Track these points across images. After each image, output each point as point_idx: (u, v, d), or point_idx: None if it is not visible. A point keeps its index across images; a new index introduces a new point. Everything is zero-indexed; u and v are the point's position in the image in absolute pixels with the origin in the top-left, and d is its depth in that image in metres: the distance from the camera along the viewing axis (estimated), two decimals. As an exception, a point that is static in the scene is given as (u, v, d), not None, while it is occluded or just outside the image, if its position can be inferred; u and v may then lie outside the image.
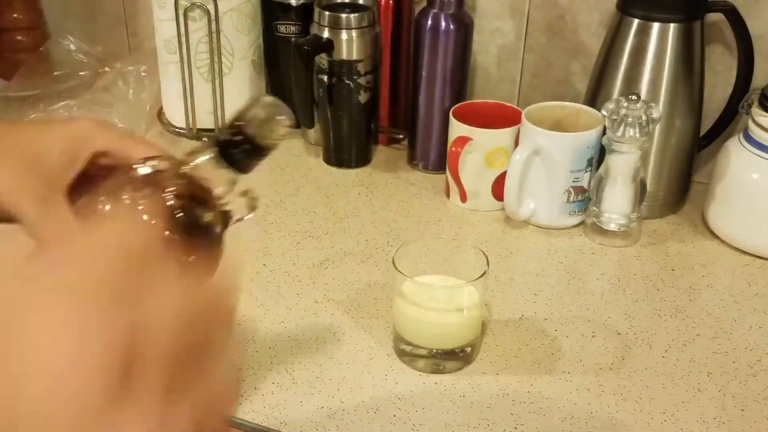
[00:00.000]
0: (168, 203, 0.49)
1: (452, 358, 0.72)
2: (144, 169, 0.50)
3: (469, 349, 0.73)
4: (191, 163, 0.50)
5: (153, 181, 0.50)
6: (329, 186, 1.03)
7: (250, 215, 0.51)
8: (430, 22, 0.98)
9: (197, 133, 1.11)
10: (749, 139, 0.88)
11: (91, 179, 0.54)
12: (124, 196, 0.49)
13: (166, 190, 0.49)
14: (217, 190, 0.50)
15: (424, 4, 1.00)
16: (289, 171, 1.05)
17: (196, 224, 0.50)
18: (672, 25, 0.89)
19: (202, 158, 0.50)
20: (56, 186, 0.54)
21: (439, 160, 1.04)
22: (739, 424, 0.67)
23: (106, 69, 1.20)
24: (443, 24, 0.97)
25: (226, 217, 0.51)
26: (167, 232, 0.48)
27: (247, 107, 0.49)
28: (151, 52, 1.15)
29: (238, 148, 0.49)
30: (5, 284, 0.29)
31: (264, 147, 0.49)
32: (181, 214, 0.49)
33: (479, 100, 1.02)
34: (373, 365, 0.73)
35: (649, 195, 0.93)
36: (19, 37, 1.26)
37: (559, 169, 0.91)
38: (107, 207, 0.49)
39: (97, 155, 0.55)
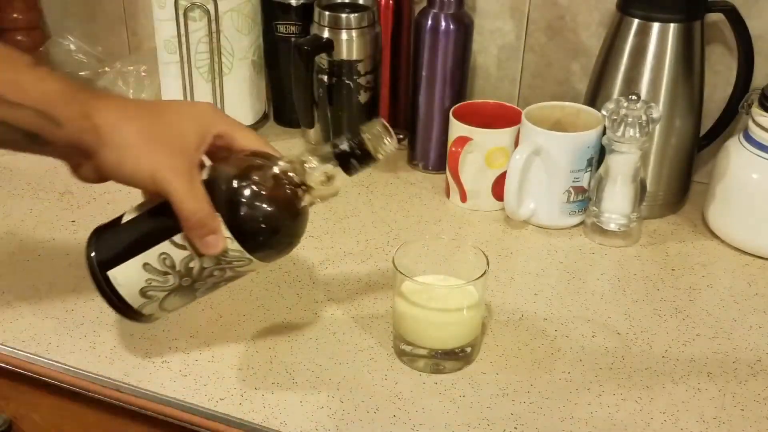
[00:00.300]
0: (284, 185, 0.62)
1: (452, 358, 0.72)
2: (276, 168, 0.62)
3: (469, 349, 0.73)
4: (312, 164, 0.62)
5: (277, 174, 0.62)
6: (329, 186, 1.03)
7: (330, 198, 0.64)
8: (430, 22, 0.98)
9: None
10: (749, 139, 0.88)
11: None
12: (255, 177, 0.60)
13: (287, 175, 0.62)
14: (316, 179, 0.62)
15: (424, 4, 1.00)
16: (289, 171, 1.05)
17: (297, 204, 0.63)
18: (672, 25, 0.89)
19: (322, 157, 0.62)
20: (194, 164, 0.60)
21: (439, 160, 1.04)
22: (739, 424, 0.67)
23: (106, 69, 1.20)
24: (443, 24, 0.97)
25: (313, 200, 0.64)
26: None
27: (369, 125, 0.62)
28: (151, 52, 1.15)
29: (356, 156, 0.61)
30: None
31: (374, 159, 0.62)
32: (290, 192, 0.62)
33: (479, 100, 1.02)
34: (373, 365, 0.73)
35: (649, 195, 0.93)
36: (19, 37, 1.26)
37: (559, 169, 0.91)
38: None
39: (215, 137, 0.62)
